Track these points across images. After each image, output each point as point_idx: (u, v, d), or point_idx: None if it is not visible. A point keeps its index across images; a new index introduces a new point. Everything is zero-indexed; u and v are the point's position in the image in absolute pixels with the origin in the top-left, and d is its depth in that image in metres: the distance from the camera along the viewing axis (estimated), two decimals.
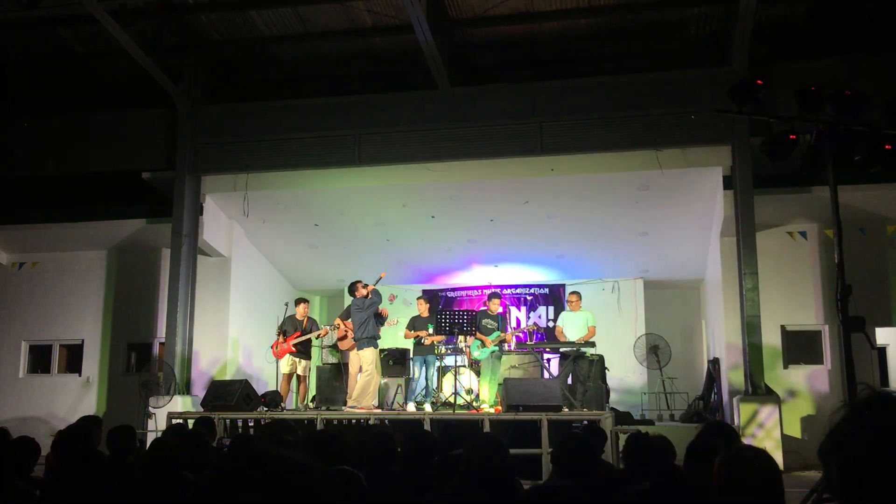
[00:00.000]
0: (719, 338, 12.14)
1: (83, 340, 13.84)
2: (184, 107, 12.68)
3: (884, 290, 11.46)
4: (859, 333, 6.84)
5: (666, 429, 10.38)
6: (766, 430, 10.09)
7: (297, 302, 12.11)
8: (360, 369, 11.17)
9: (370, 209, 12.95)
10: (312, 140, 12.27)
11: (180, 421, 9.38)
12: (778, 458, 9.58)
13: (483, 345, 11.70)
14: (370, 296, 11.19)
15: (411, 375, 11.94)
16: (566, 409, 9.99)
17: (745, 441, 8.77)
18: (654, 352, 12.92)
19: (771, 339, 11.28)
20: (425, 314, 12.13)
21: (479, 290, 14.98)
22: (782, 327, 11.72)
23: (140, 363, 13.17)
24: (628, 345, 13.33)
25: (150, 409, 11.20)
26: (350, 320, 11.53)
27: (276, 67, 13.22)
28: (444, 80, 11.81)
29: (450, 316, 11.07)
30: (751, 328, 10.65)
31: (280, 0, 11.71)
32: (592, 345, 11.48)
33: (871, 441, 1.36)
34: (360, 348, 11.10)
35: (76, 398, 13.55)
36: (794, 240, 11.95)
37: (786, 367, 11.65)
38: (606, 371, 11.69)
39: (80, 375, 13.76)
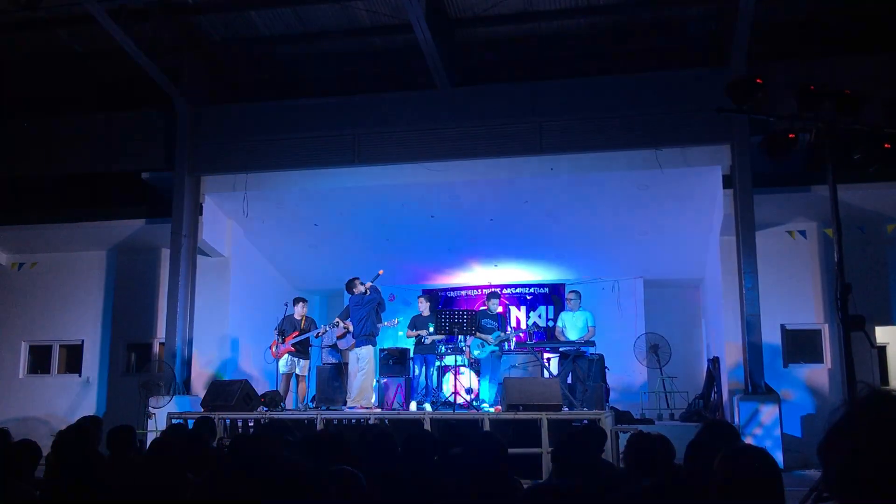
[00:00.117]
0: (719, 337, 12.14)
1: (83, 341, 13.84)
2: (183, 107, 12.68)
3: (883, 288, 11.47)
4: (859, 332, 6.84)
5: (666, 428, 10.36)
6: (765, 430, 10.09)
7: (295, 301, 12.11)
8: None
9: (370, 209, 12.95)
10: (312, 140, 12.27)
11: (180, 421, 9.38)
12: (778, 457, 9.60)
13: (483, 344, 11.71)
14: (368, 292, 11.20)
15: (412, 375, 11.95)
16: (566, 409, 9.99)
17: (745, 440, 8.77)
18: (654, 351, 12.92)
19: (771, 337, 11.28)
20: (426, 313, 12.14)
21: (479, 290, 14.98)
22: (782, 326, 11.73)
23: (140, 363, 13.18)
24: (628, 344, 13.31)
25: (150, 409, 11.20)
26: (349, 320, 11.54)
27: (276, 67, 13.22)
28: (444, 80, 11.81)
29: (450, 315, 11.09)
30: (751, 327, 10.65)
31: (279, 0, 11.71)
32: (592, 344, 11.49)
33: (871, 440, 1.36)
34: (358, 345, 11.12)
35: (76, 398, 13.55)
36: (794, 239, 11.95)
37: (785, 366, 11.65)
38: (606, 370, 11.69)
39: (80, 376, 13.76)
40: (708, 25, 11.64)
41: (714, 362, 12.13)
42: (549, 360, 12.12)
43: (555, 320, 13.58)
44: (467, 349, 11.97)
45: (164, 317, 12.60)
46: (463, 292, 15.51)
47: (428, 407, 10.89)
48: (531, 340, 12.64)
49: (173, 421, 9.64)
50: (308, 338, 11.86)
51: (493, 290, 13.22)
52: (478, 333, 11.51)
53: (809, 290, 11.75)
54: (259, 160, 12.37)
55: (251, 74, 13.42)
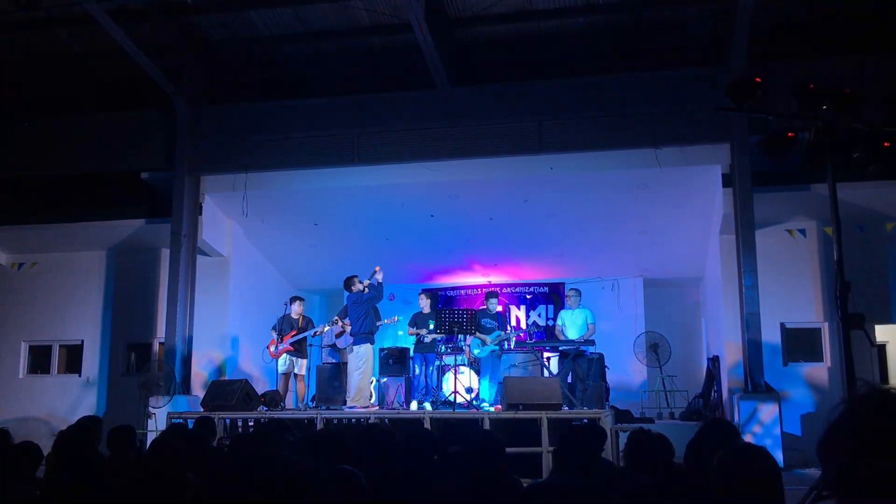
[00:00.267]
0: (719, 335, 12.15)
1: (83, 341, 13.85)
2: (183, 107, 12.67)
3: (883, 287, 11.47)
4: (859, 331, 6.84)
5: (666, 427, 10.36)
6: (765, 428, 10.09)
7: (292, 300, 12.11)
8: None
9: (369, 209, 12.95)
10: (311, 139, 12.28)
11: (180, 421, 9.38)
12: (777, 455, 9.61)
13: (483, 343, 11.71)
14: (367, 290, 11.19)
15: (412, 374, 11.96)
16: (566, 408, 10.00)
17: (745, 439, 8.77)
18: (654, 350, 12.93)
19: (770, 336, 11.28)
20: (427, 310, 12.14)
21: (479, 290, 14.99)
22: (782, 325, 11.73)
23: (140, 363, 13.17)
24: (628, 343, 13.33)
25: (150, 409, 11.21)
26: (348, 319, 11.54)
27: (275, 67, 13.21)
28: (443, 79, 11.81)
29: (450, 314, 11.09)
30: (750, 326, 10.66)
31: (279, 0, 11.71)
32: (592, 343, 11.49)
33: (870, 438, 1.36)
34: (356, 343, 11.12)
35: (76, 398, 13.55)
36: (794, 237, 11.95)
37: (785, 364, 11.66)
38: (606, 369, 11.69)
39: (80, 376, 13.76)
40: (707, 25, 11.63)
41: (714, 361, 12.14)
42: (548, 359, 12.13)
43: (554, 319, 13.59)
44: (467, 348, 11.98)
45: (163, 317, 12.60)
46: (462, 291, 15.52)
47: (428, 406, 10.89)
48: (531, 339, 12.64)
49: (173, 421, 9.65)
50: (306, 337, 11.86)
51: (492, 289, 13.22)
52: (477, 333, 11.51)
53: (809, 289, 11.76)
54: (259, 160, 12.37)
55: (251, 74, 13.42)
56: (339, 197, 12.74)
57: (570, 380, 11.26)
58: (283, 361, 11.74)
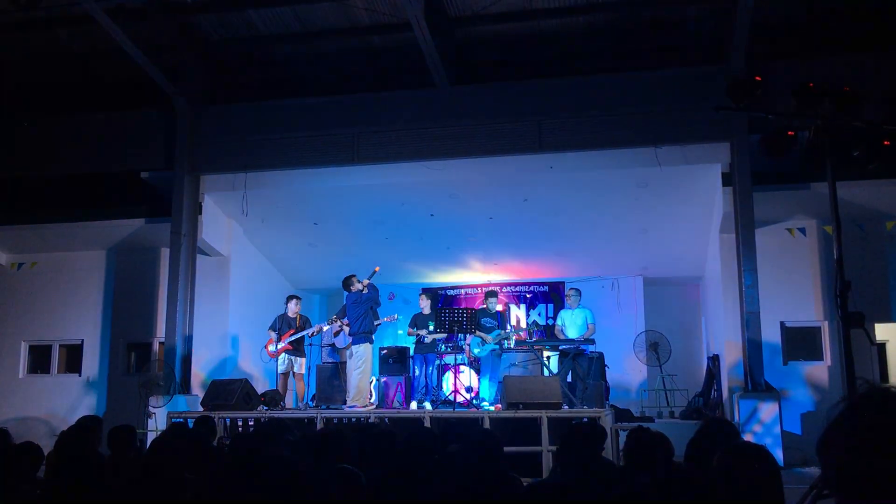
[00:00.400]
0: (719, 334, 12.15)
1: (83, 340, 13.84)
2: (182, 106, 12.67)
3: (883, 286, 11.47)
4: (859, 329, 6.86)
5: (666, 425, 10.36)
6: (765, 427, 10.09)
7: (289, 299, 12.10)
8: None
9: (369, 208, 12.95)
10: (311, 139, 12.27)
11: (180, 420, 9.38)
12: (777, 454, 9.61)
13: (483, 342, 11.71)
14: (365, 290, 11.19)
15: (412, 374, 11.95)
16: (566, 407, 10.00)
17: (745, 437, 8.78)
18: (654, 349, 12.92)
19: (770, 335, 11.28)
20: (427, 311, 12.14)
21: (479, 289, 14.99)
22: (782, 324, 11.72)
23: (140, 363, 13.17)
24: (628, 342, 13.33)
25: (150, 408, 11.21)
26: (347, 318, 11.53)
27: (275, 67, 13.21)
28: (443, 79, 11.80)
29: (450, 314, 11.09)
30: (750, 324, 10.65)
31: (278, 0, 11.71)
32: (592, 342, 11.49)
33: (870, 436, 1.36)
34: (355, 343, 11.12)
35: (76, 398, 13.55)
36: (794, 236, 11.95)
37: (785, 363, 11.65)
38: (606, 368, 11.69)
39: (80, 375, 13.76)
40: (707, 24, 11.63)
41: (714, 360, 12.14)
42: (548, 358, 12.13)
43: (554, 318, 13.59)
44: (467, 348, 11.98)
45: (163, 316, 12.60)
46: (462, 291, 15.52)
47: (428, 406, 10.90)
48: (531, 339, 12.64)
49: (173, 420, 9.65)
50: (303, 336, 11.85)
51: (492, 288, 13.22)
52: (477, 332, 11.51)
53: (809, 288, 11.75)
54: (258, 160, 12.37)
55: (251, 74, 13.41)
56: (339, 196, 12.74)
57: (570, 379, 11.26)
58: (281, 360, 11.74)
